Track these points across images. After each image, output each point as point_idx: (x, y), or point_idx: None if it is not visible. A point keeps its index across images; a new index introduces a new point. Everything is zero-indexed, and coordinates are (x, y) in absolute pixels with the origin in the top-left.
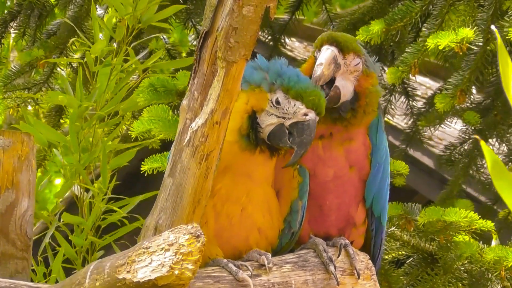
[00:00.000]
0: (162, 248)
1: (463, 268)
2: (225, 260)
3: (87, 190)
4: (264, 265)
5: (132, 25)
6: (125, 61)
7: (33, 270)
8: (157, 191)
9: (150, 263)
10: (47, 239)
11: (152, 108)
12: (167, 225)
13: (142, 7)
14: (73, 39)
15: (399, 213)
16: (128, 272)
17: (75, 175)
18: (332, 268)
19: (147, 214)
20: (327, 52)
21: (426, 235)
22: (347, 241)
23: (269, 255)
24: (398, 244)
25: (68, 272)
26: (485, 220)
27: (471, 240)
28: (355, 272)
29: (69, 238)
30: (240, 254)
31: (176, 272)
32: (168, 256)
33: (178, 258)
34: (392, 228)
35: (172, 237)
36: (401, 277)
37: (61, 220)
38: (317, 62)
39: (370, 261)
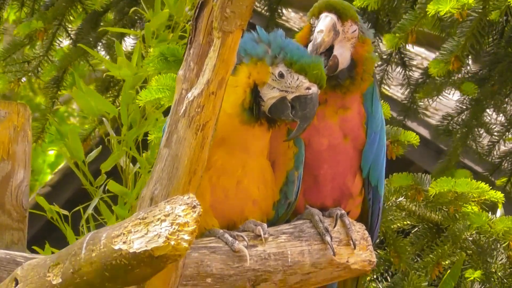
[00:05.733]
0: (158, 219)
1: (471, 239)
2: (221, 231)
3: (133, 163)
4: (260, 236)
5: (192, 3)
6: (181, 37)
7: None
8: None
9: (146, 233)
10: (90, 210)
11: (161, 77)
12: (163, 196)
13: None
14: (134, 8)
15: (409, 183)
16: (124, 242)
17: (123, 147)
18: (328, 238)
19: None
20: (327, 19)
21: (436, 205)
22: (343, 211)
23: (265, 225)
24: (403, 214)
25: None
26: (494, 190)
27: (481, 211)
28: (351, 243)
29: (113, 209)
30: (234, 225)
31: (173, 242)
32: (164, 226)
33: (174, 229)
34: (401, 199)
35: (168, 207)
36: (407, 248)
37: (106, 190)
38: (317, 29)
39: (366, 232)
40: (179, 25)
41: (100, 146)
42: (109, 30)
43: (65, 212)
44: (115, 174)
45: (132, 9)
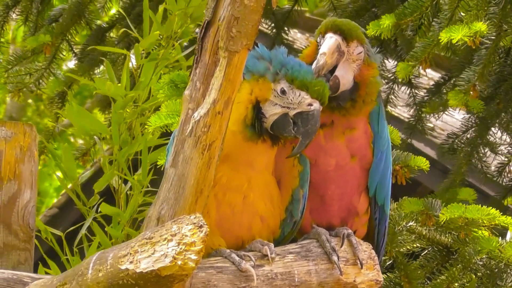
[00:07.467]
0: (165, 239)
1: (481, 263)
2: (228, 251)
3: (125, 182)
4: (267, 255)
5: (182, 22)
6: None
7: (68, 261)
8: None
9: (153, 253)
10: (83, 230)
11: (170, 103)
12: (169, 216)
13: (195, 4)
14: (124, 29)
15: (420, 209)
16: (131, 262)
17: (115, 167)
18: (335, 258)
19: None
20: (331, 41)
21: (446, 230)
22: (350, 230)
23: (272, 245)
24: (413, 237)
25: None
26: (505, 216)
27: (491, 236)
28: (358, 262)
29: (106, 229)
30: (243, 244)
31: (179, 262)
32: (171, 246)
33: (181, 249)
34: (411, 223)
35: (175, 227)
36: (418, 272)
37: (99, 211)
38: (320, 51)
39: (373, 251)
40: (169, 44)
41: (93, 166)
42: (97, 48)
43: (59, 233)
44: (109, 194)
45: (121, 30)
